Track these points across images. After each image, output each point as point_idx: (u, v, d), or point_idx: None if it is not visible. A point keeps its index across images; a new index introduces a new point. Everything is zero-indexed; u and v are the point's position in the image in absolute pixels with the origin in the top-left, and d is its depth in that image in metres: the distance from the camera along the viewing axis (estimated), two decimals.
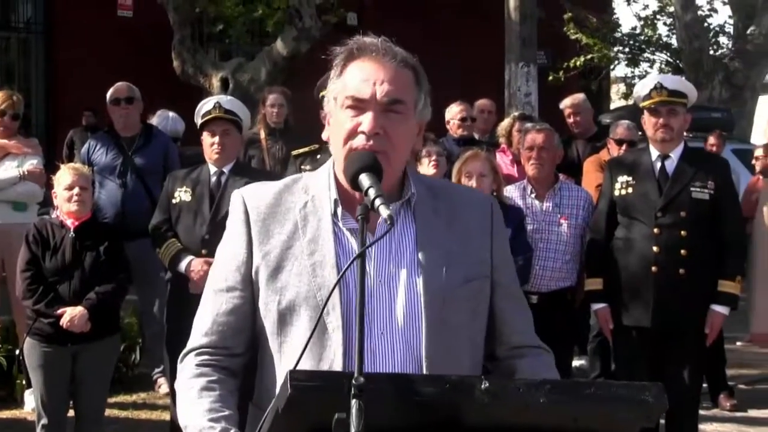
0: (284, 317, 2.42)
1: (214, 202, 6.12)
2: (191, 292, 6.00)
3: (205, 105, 6.23)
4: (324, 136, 2.54)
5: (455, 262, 2.46)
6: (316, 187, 2.52)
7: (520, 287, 2.67)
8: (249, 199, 2.53)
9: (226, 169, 6.21)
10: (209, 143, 6.17)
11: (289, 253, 2.45)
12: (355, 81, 2.42)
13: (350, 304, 2.38)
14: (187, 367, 2.48)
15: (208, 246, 6.03)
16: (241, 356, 2.51)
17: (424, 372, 2.37)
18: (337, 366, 2.35)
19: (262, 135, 8.59)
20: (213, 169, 6.21)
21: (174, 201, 6.23)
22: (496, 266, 2.54)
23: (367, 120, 2.39)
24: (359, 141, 2.40)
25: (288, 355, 2.42)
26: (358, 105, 2.41)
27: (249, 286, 2.48)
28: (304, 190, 2.53)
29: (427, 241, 2.45)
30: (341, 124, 2.43)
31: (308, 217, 2.48)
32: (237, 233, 2.51)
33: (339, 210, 2.47)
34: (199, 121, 6.23)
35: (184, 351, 2.51)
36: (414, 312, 2.40)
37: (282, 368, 2.43)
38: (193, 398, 2.40)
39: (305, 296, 2.40)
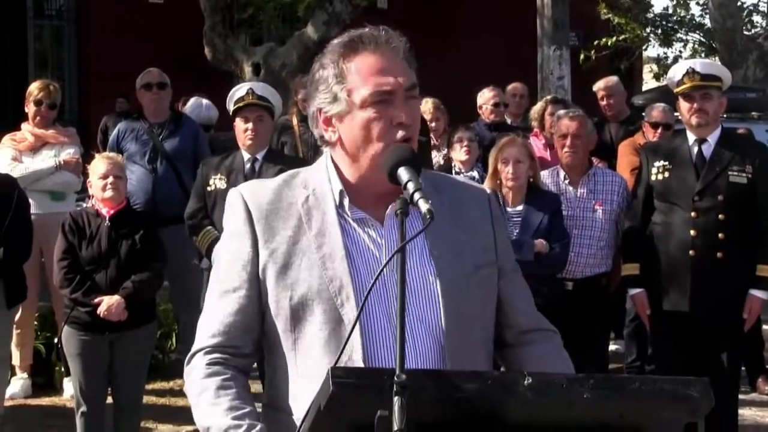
0: (297, 313, 2.40)
1: None
2: None
3: (238, 91, 6.23)
4: (330, 138, 2.47)
5: (464, 251, 2.47)
6: (315, 181, 2.50)
7: (520, 270, 2.66)
8: (249, 196, 2.50)
9: (259, 156, 6.22)
10: (242, 129, 6.17)
11: (297, 249, 2.43)
12: (371, 75, 2.40)
13: (364, 294, 2.35)
14: (197, 367, 2.44)
15: None
16: (250, 357, 2.49)
17: (447, 362, 2.37)
18: (357, 358, 2.34)
19: (295, 121, 8.59)
20: (246, 155, 6.22)
21: (209, 188, 6.24)
22: (499, 253, 2.56)
23: (401, 112, 2.39)
24: (398, 134, 2.39)
25: (303, 351, 2.41)
26: (384, 98, 2.39)
27: (255, 285, 2.44)
28: (303, 185, 2.51)
29: (435, 232, 2.42)
30: (366, 123, 2.39)
31: (312, 211, 2.46)
32: (240, 232, 2.47)
33: (346, 201, 2.46)
34: (231, 107, 6.24)
35: (191, 352, 2.48)
36: (431, 301, 2.40)
37: (297, 365, 2.42)
38: (211, 398, 2.37)
39: (317, 290, 2.38)
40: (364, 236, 2.44)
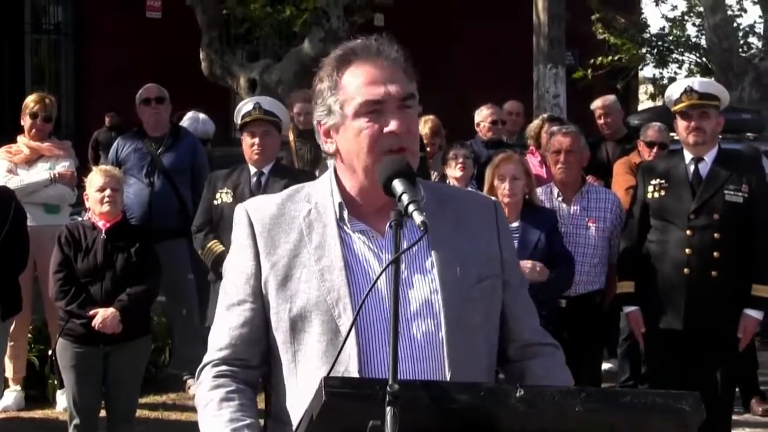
0: (296, 324, 2.42)
1: None
2: None
3: (245, 106, 6.24)
4: (329, 149, 2.51)
5: (467, 262, 2.47)
6: (319, 195, 2.52)
7: (527, 285, 2.68)
8: (252, 211, 2.53)
9: (266, 170, 6.23)
10: (249, 144, 6.19)
11: (297, 261, 2.45)
12: (362, 86, 2.42)
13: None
14: (205, 380, 2.48)
15: None
16: (257, 369, 2.51)
17: (447, 373, 2.38)
18: (353, 368, 2.36)
19: (291, 137, 8.61)
20: (253, 170, 6.23)
21: (216, 202, 6.25)
22: (504, 266, 2.55)
23: (394, 120, 2.40)
24: (390, 143, 2.40)
25: (302, 363, 2.42)
26: (376, 108, 2.41)
27: (260, 298, 2.47)
28: (306, 199, 2.53)
29: (438, 243, 2.45)
30: (358, 133, 2.42)
31: (313, 224, 2.48)
32: (243, 246, 2.51)
33: (345, 214, 2.47)
34: (238, 121, 6.25)
35: (201, 365, 2.52)
36: (432, 312, 2.41)
37: (298, 377, 2.43)
38: (214, 410, 2.41)
39: (315, 301, 2.40)
40: (364, 248, 2.45)
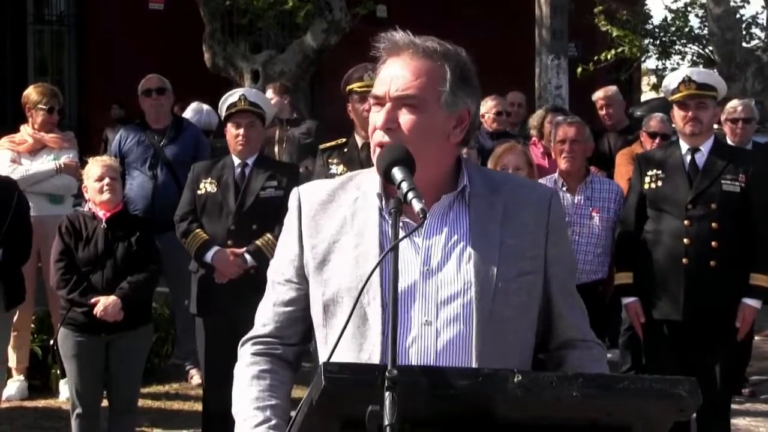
0: (328, 308, 2.48)
1: (239, 193, 6.16)
2: (217, 281, 6.05)
3: (230, 97, 6.28)
4: None
5: (508, 256, 2.46)
6: (368, 183, 2.55)
7: (574, 282, 2.65)
8: (304, 195, 2.60)
9: (249, 161, 6.26)
10: (234, 135, 6.23)
11: (336, 246, 2.50)
12: (378, 80, 2.49)
13: (390, 295, 2.39)
14: (244, 355, 2.56)
15: (233, 237, 6.10)
16: (297, 346, 2.59)
17: (475, 365, 2.38)
18: (376, 355, 2.39)
19: (277, 134, 8.68)
20: (237, 160, 6.26)
21: (199, 192, 6.27)
22: (550, 261, 2.52)
23: (379, 116, 2.46)
24: (377, 137, 2.46)
25: (331, 346, 2.44)
26: (378, 102, 2.48)
27: (304, 279, 2.54)
28: (357, 187, 2.57)
29: (480, 234, 2.46)
30: (369, 123, 2.51)
31: (357, 212, 2.52)
32: (290, 227, 2.58)
33: (384, 203, 2.50)
34: (223, 112, 6.29)
35: (244, 339, 2.60)
36: (464, 303, 2.42)
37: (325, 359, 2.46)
38: (244, 386, 2.49)
39: (348, 287, 2.44)
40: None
